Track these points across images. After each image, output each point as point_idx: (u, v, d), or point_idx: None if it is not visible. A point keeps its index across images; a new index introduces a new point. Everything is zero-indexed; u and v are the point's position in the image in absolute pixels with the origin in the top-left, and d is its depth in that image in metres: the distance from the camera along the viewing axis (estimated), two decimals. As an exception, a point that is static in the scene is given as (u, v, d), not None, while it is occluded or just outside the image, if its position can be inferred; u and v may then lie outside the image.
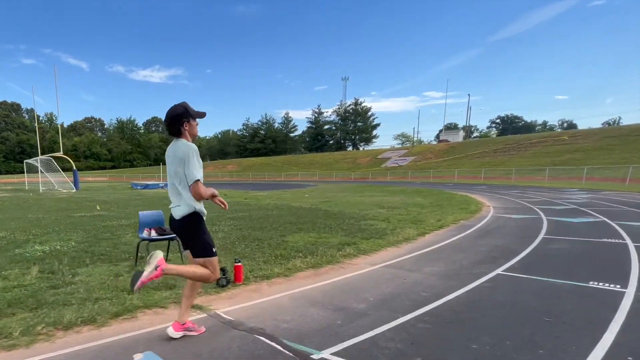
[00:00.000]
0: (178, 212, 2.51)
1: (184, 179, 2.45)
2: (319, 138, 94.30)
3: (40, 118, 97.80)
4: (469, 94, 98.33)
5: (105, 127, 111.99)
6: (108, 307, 3.14)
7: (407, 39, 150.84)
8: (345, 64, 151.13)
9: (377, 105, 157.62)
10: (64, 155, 28.93)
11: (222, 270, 3.94)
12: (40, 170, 28.16)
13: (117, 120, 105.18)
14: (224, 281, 3.76)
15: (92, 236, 6.90)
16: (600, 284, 3.81)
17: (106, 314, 3.02)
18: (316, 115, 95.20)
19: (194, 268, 2.53)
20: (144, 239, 4.62)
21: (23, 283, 3.85)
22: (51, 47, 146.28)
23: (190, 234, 2.56)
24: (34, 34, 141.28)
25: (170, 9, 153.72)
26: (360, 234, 6.88)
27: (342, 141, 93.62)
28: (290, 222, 8.47)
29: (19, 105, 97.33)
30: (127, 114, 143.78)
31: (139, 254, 4.78)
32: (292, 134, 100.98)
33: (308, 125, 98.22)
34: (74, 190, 26.05)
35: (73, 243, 6.23)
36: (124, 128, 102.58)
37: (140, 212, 4.87)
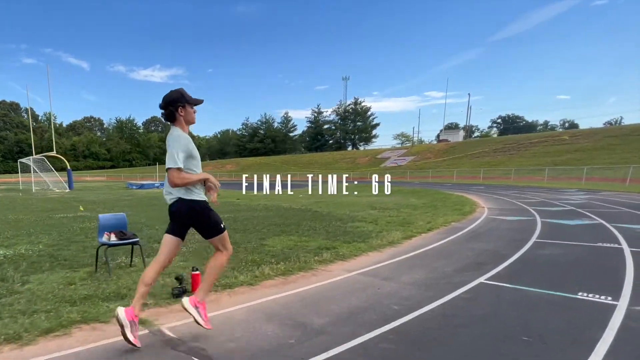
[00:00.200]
0: (172, 202, 2.59)
1: None
2: (318, 138, 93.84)
3: (40, 117, 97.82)
4: (469, 94, 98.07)
5: (105, 126, 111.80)
6: (40, 322, 2.83)
7: (408, 38, 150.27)
8: (346, 63, 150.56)
9: (379, 105, 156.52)
10: (57, 155, 28.67)
11: (178, 279, 3.63)
12: (34, 169, 27.90)
13: (117, 120, 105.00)
14: (178, 290, 3.44)
15: (65, 239, 6.61)
16: (590, 295, 3.49)
17: (36, 330, 2.71)
18: (316, 114, 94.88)
19: (212, 270, 2.65)
20: (103, 244, 4.31)
21: (-37, 293, 3.54)
22: (52, 47, 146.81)
23: (192, 222, 2.60)
24: (35, 34, 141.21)
25: (171, 9, 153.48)
26: (343, 237, 6.56)
27: (341, 141, 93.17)
28: (275, 224, 8.16)
29: (17, 105, 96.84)
30: (128, 113, 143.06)
31: (102, 258, 4.47)
32: (291, 134, 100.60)
33: (307, 125, 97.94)
34: (67, 190, 25.78)
35: (41, 246, 5.95)
36: (123, 128, 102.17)
37: (100, 215, 4.55)
